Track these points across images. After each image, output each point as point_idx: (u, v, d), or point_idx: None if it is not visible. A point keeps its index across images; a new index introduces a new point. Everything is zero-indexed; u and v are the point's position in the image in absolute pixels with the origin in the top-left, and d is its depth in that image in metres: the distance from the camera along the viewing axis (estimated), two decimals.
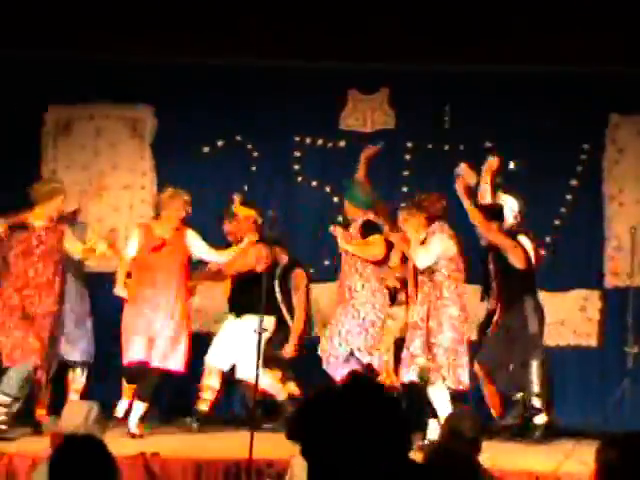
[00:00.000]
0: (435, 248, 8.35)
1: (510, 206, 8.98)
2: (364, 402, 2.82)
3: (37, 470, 6.83)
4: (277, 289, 9.47)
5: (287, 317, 9.47)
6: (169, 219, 9.06)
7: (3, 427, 8.96)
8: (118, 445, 7.15)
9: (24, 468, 8.34)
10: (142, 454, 8.28)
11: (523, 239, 8.88)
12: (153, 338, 8.85)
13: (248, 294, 8.97)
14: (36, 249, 8.91)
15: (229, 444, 8.98)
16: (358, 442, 2.71)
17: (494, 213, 8.85)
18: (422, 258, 8.35)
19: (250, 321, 8.79)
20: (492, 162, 9.17)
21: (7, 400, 8.88)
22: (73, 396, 9.65)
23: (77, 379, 9.65)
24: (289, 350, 9.55)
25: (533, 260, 8.79)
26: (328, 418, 2.80)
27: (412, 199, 9.32)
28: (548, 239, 10.14)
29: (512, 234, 8.78)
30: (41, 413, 9.41)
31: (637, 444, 4.15)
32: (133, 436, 8.90)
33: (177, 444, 9.13)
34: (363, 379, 3.01)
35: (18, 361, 8.83)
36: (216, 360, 9.25)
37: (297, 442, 2.82)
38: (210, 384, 9.28)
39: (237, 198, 9.80)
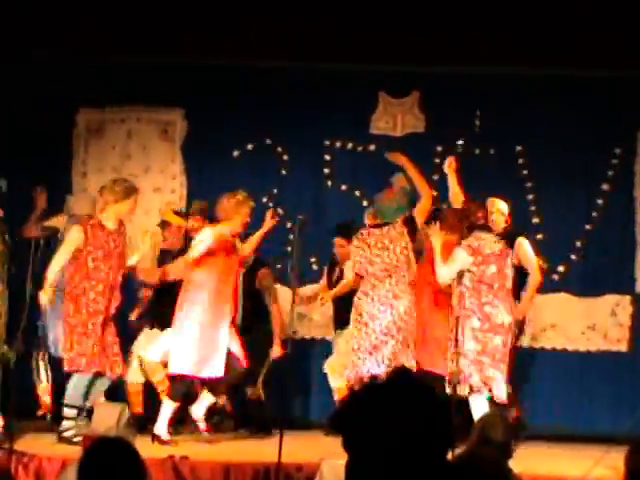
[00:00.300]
0: (454, 265, 8.47)
1: (501, 209, 9.00)
2: (412, 398, 2.81)
3: (66, 472, 6.84)
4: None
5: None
6: (236, 225, 8.92)
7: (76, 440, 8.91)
8: (148, 448, 7.65)
9: (53, 471, 8.41)
10: (171, 457, 8.34)
11: (524, 241, 8.94)
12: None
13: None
14: (114, 251, 8.77)
15: (258, 447, 9.00)
16: (402, 438, 2.71)
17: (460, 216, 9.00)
18: (442, 275, 8.58)
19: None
20: (450, 161, 9.33)
21: (73, 412, 8.90)
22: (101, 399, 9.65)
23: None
24: (276, 350, 9.60)
25: (533, 262, 8.80)
26: (374, 412, 2.78)
27: (445, 209, 9.45)
28: (579, 244, 10.20)
29: (511, 236, 8.86)
30: None
31: None
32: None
33: (206, 447, 9.18)
34: (410, 375, 3.03)
35: (82, 369, 8.79)
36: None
37: (340, 434, 2.80)
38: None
39: (169, 208, 10.31)
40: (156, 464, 7.94)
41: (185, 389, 9.39)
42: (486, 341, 8.51)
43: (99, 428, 8.26)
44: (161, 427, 8.95)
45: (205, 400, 9.38)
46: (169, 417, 9.12)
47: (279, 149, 10.74)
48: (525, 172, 10.36)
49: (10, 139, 10.89)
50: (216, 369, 8.93)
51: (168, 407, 9.07)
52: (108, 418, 8.58)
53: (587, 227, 10.22)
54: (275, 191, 10.64)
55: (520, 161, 10.22)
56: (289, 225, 9.94)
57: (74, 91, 10.87)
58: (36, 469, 8.63)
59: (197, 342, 8.90)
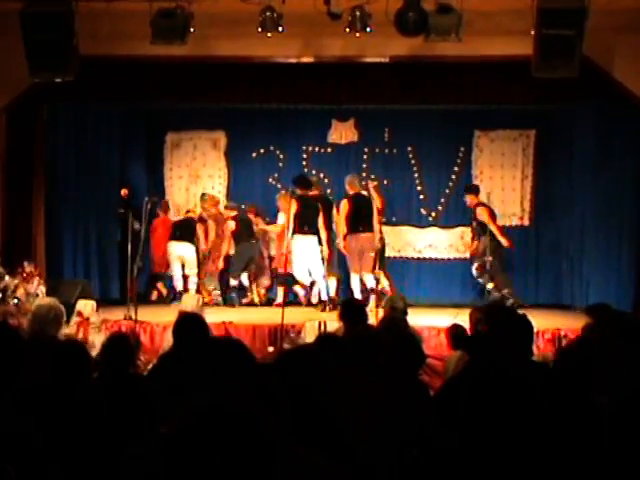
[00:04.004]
0: None
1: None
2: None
3: (166, 333, 9.96)
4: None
5: None
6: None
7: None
8: (209, 316, 8.93)
9: (159, 332, 10.85)
10: (223, 322, 11.01)
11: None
12: None
13: None
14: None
15: (270, 315, 11.81)
16: None
17: None
18: None
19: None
20: (373, 185, 13.22)
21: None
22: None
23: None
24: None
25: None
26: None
27: None
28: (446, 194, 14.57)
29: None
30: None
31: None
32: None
33: (240, 316, 11.95)
34: None
35: None
36: None
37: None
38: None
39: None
40: (215, 326, 10.03)
41: None
42: None
43: (186, 307, 10.09)
44: None
45: None
46: None
47: (277, 152, 15.02)
48: (413, 162, 14.92)
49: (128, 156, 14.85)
50: None
51: None
52: (191, 302, 10.81)
53: (446, 191, 14.86)
54: (276, 175, 14.91)
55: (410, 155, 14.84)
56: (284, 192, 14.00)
57: (164, 122, 15.01)
58: (150, 332, 11.10)
59: None
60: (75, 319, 10.26)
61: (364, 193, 13.20)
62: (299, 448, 2.80)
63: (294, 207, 12.67)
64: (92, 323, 10.40)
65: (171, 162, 15.30)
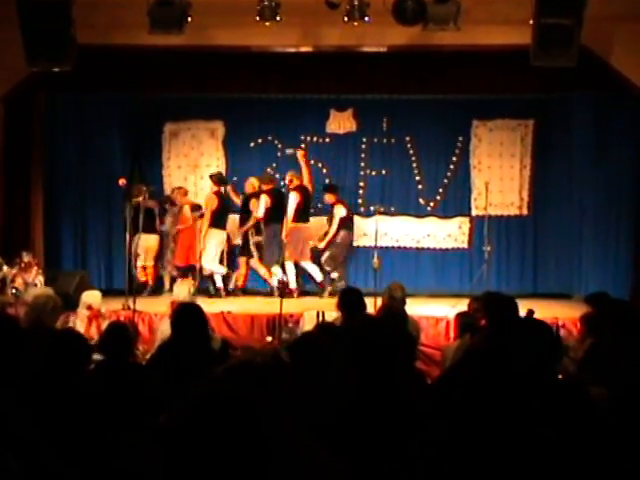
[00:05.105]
0: None
1: None
2: None
3: (162, 322, 9.53)
4: None
5: None
6: None
7: None
8: (208, 306, 8.66)
9: (157, 322, 10.68)
10: (222, 312, 11.32)
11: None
12: None
13: None
14: None
15: (268, 306, 11.85)
16: None
17: None
18: None
19: None
20: (301, 153, 13.45)
21: None
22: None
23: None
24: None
25: None
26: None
27: None
28: (441, 190, 14.53)
29: None
30: None
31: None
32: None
33: (239, 306, 12.15)
34: None
35: None
36: None
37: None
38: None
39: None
40: (214, 316, 10.20)
41: None
42: None
43: (178, 296, 10.26)
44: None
45: None
46: None
47: (276, 141, 14.76)
48: (412, 152, 14.71)
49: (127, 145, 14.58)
50: None
51: None
52: (183, 291, 10.69)
53: (445, 181, 14.75)
54: (274, 165, 14.70)
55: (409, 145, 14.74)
56: (282, 183, 14.22)
57: (162, 112, 14.75)
58: (149, 321, 11.26)
59: None
60: (84, 312, 10.19)
61: (308, 186, 14.12)
62: (299, 438, 2.81)
63: (215, 203, 13.94)
64: (103, 314, 10.41)
65: (169, 152, 15.26)
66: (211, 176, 14.27)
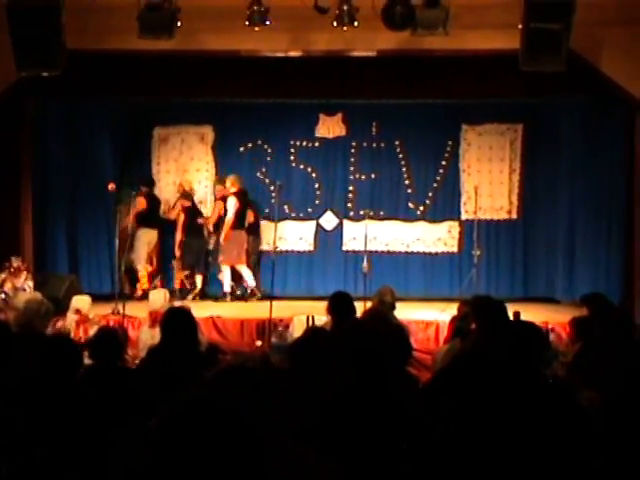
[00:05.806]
0: None
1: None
2: None
3: (144, 327, 10.18)
4: None
5: None
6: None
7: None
8: (199, 311, 9.19)
9: (133, 325, 10.93)
10: (211, 317, 11.33)
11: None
12: None
13: None
14: None
15: (257, 309, 11.90)
16: None
17: None
18: None
19: None
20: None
21: None
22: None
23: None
24: None
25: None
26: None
27: None
28: (430, 194, 14.60)
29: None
30: None
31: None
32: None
33: (228, 310, 12.17)
34: None
35: None
36: None
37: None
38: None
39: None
40: (203, 320, 10.37)
41: None
42: None
43: (155, 303, 11.12)
44: None
45: None
46: None
47: (265, 146, 14.91)
48: (401, 156, 14.89)
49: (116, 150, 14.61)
50: None
51: None
52: (159, 298, 11.65)
53: (434, 185, 14.87)
54: (264, 169, 14.75)
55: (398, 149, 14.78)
56: (272, 188, 14.02)
57: (151, 117, 14.85)
58: (138, 326, 11.08)
59: None
60: (72, 316, 10.23)
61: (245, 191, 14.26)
62: (290, 443, 2.81)
63: (142, 204, 14.04)
64: (91, 319, 10.44)
65: (159, 156, 15.28)
66: (142, 179, 14.48)
